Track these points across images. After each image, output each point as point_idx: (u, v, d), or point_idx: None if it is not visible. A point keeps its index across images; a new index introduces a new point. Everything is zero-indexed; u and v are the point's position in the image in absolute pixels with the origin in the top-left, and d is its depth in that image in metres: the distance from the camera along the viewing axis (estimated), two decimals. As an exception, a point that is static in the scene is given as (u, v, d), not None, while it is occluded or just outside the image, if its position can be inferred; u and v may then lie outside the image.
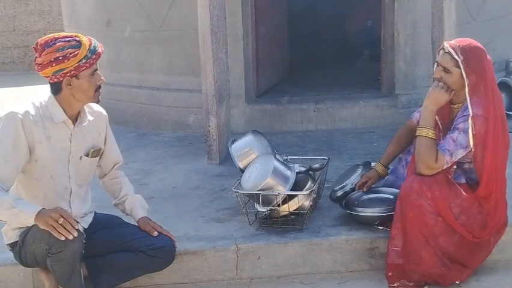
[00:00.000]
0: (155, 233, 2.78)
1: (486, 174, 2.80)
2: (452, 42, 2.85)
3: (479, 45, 2.85)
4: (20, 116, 2.53)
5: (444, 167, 2.79)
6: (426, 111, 2.85)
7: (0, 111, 2.60)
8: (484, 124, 2.75)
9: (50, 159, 2.61)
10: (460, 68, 2.77)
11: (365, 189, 3.17)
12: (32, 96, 2.67)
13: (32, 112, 2.57)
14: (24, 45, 10.38)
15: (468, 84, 2.76)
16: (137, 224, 2.83)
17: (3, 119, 2.54)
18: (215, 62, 4.13)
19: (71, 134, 2.67)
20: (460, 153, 2.79)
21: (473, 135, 2.74)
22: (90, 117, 2.74)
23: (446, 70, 2.80)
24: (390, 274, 2.82)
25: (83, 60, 2.55)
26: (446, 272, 2.80)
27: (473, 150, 2.77)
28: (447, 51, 2.80)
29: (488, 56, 2.85)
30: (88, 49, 2.57)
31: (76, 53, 2.53)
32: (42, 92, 2.73)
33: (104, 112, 2.85)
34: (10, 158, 2.50)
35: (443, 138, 2.85)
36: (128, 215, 2.89)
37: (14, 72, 10.23)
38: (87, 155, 2.73)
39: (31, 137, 2.55)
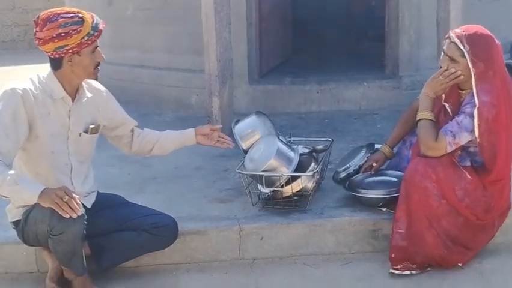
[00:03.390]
0: (218, 126, 3.09)
1: (501, 160, 2.78)
2: (458, 30, 2.80)
3: (487, 32, 2.80)
4: (20, 92, 2.52)
5: (448, 149, 2.77)
6: (424, 96, 2.87)
7: (1, 89, 2.58)
8: (492, 110, 2.72)
9: (50, 135, 2.61)
10: (466, 57, 2.74)
11: (373, 172, 3.15)
12: (32, 74, 2.66)
13: (32, 88, 2.57)
14: (24, 24, 10.31)
15: (475, 74, 2.73)
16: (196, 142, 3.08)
17: (4, 95, 2.53)
18: (218, 41, 4.09)
19: (69, 111, 2.67)
20: (464, 136, 2.76)
21: (478, 125, 2.71)
22: (89, 94, 2.74)
23: (453, 60, 2.77)
24: (393, 256, 2.82)
25: (86, 38, 2.54)
26: (449, 254, 2.80)
27: (478, 140, 2.74)
28: (453, 40, 2.76)
29: (496, 42, 2.79)
30: (91, 26, 2.56)
31: (78, 29, 2.53)
32: (42, 70, 2.71)
33: (102, 88, 2.84)
34: (11, 133, 2.49)
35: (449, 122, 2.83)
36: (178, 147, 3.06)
37: (14, 50, 10.17)
38: (86, 132, 2.73)
39: (31, 113, 2.54)
